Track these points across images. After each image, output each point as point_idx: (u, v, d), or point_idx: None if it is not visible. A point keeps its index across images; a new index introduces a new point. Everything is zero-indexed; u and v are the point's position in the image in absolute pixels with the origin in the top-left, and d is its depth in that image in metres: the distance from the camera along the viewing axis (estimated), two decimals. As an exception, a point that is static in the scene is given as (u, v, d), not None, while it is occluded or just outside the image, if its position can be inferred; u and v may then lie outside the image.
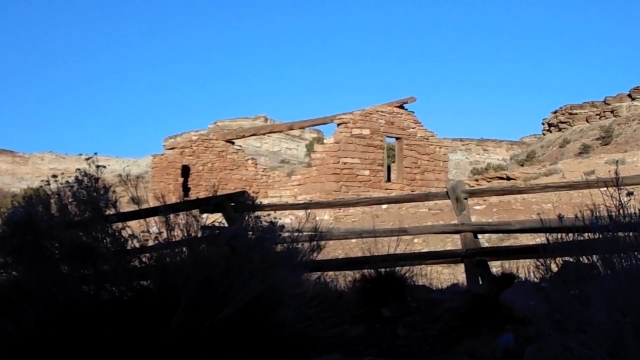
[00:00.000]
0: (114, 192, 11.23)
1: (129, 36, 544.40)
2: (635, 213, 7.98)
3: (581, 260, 8.34)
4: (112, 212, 10.83)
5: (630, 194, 8.04)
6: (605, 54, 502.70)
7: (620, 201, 7.98)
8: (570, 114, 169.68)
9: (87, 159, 10.82)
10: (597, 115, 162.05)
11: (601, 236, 7.91)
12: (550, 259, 9.45)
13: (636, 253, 7.13)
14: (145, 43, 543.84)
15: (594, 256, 8.05)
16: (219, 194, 16.71)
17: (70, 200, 10.53)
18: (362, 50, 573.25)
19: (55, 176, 10.68)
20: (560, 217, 9.24)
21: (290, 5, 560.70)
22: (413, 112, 52.18)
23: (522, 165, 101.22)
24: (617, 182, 7.99)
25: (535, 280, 10.60)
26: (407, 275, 16.92)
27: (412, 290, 16.08)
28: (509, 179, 61.62)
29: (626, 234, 7.60)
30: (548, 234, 10.25)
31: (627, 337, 5.38)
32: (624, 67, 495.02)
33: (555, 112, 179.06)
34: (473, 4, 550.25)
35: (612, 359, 5.38)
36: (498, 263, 17.56)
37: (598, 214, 8.35)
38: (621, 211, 7.86)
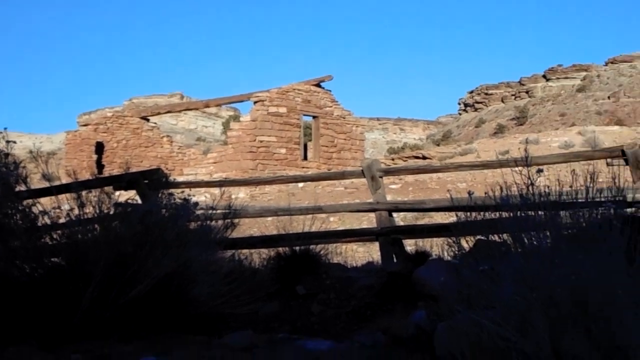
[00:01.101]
0: (25, 168, 11.11)
1: (45, 7, 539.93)
2: (544, 191, 8.08)
3: (492, 238, 8.42)
4: (22, 188, 10.87)
5: (540, 171, 8.13)
6: (521, 36, 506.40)
7: (529, 180, 8.08)
8: (486, 94, 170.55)
9: None
10: (512, 95, 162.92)
11: (511, 214, 8.01)
12: (462, 236, 9.50)
13: (545, 231, 7.22)
14: (58, 15, 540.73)
15: (505, 234, 8.12)
16: (132, 170, 16.87)
17: None
18: (281, 28, 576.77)
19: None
20: (470, 194, 9.31)
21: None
22: (330, 91, 52.31)
23: (438, 145, 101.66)
24: (526, 161, 8.06)
25: (448, 257, 10.70)
26: (322, 252, 16.95)
27: (327, 268, 16.10)
28: (424, 157, 61.78)
29: (535, 212, 7.70)
30: (460, 212, 10.38)
31: (535, 313, 5.44)
32: (539, 48, 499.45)
33: (471, 92, 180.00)
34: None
35: (520, 334, 5.44)
36: (412, 241, 17.64)
37: (509, 193, 8.44)
38: (530, 189, 7.96)
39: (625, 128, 67.46)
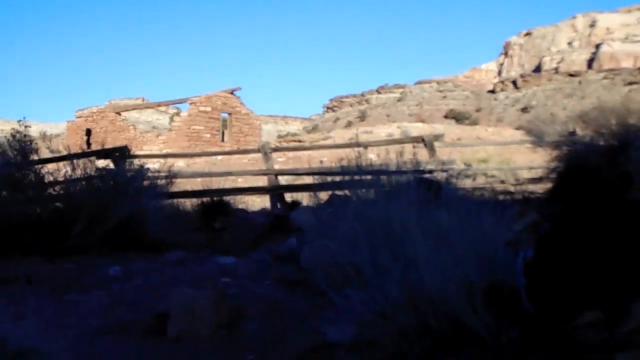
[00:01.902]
0: (37, 144, 11.82)
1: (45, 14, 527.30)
2: (371, 163, 8.43)
3: (339, 193, 8.64)
4: (35, 157, 11.82)
5: (365, 147, 8.44)
6: (364, 61, 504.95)
7: (359, 155, 8.36)
8: (341, 101, 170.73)
9: (19, 122, 11.72)
10: (357, 102, 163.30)
11: (350, 177, 8.28)
12: (320, 192, 9.76)
13: (370, 188, 7.43)
14: (55, 27, 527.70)
15: (346, 190, 8.29)
16: (107, 147, 17.40)
17: (6, 148, 11.24)
18: (210, 45, 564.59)
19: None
20: (321, 162, 9.54)
21: None
22: (239, 97, 52.69)
23: (309, 133, 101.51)
24: (359, 144, 8.28)
25: (312, 205, 10.84)
26: (232, 202, 17.29)
27: (235, 211, 16.57)
28: (300, 142, 62.05)
29: (364, 175, 7.95)
30: (320, 176, 10.77)
31: (361, 238, 5.55)
32: (375, 71, 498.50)
33: (331, 100, 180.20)
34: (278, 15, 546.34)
35: (351, 252, 5.53)
36: (290, 194, 17.86)
37: (349, 164, 8.74)
38: (361, 161, 8.26)
39: (426, 125, 67.59)
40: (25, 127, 11.66)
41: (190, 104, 52.73)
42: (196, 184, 19.65)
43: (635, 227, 5.29)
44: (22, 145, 11.28)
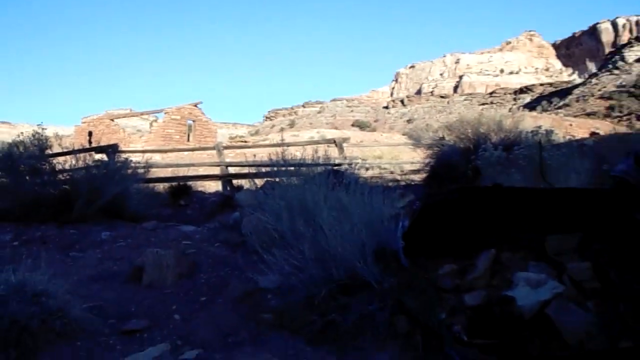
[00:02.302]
0: (51, 142, 12.32)
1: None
2: (294, 157, 8.45)
3: (271, 180, 8.61)
4: (49, 151, 12.09)
5: (287, 146, 8.43)
6: (293, 81, 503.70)
7: (283, 152, 8.38)
8: (276, 112, 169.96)
9: (38, 125, 12.16)
10: (288, 113, 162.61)
11: (278, 168, 8.29)
12: (257, 179, 9.74)
13: (293, 176, 7.40)
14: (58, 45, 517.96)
15: (277, 178, 8.26)
16: (102, 144, 17.65)
17: (29, 144, 11.58)
18: (180, 69, 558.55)
19: (21, 133, 12.12)
20: (254, 157, 9.53)
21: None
22: (200, 109, 52.66)
23: (252, 136, 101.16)
24: (286, 144, 8.23)
25: (251, 188, 10.80)
26: (193, 186, 17.32)
27: (195, 193, 16.55)
28: (245, 142, 62.03)
29: (288, 167, 7.94)
30: (257, 167, 10.80)
31: (283, 211, 5.55)
32: (301, 89, 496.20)
33: (269, 111, 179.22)
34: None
35: (276, 221, 5.56)
36: (236, 181, 17.82)
37: (278, 158, 8.72)
38: (285, 156, 8.24)
39: (338, 130, 67.51)
40: (43, 129, 12.04)
41: (165, 113, 52.61)
42: (167, 172, 19.56)
43: (478, 204, 5.39)
44: (40, 143, 11.69)
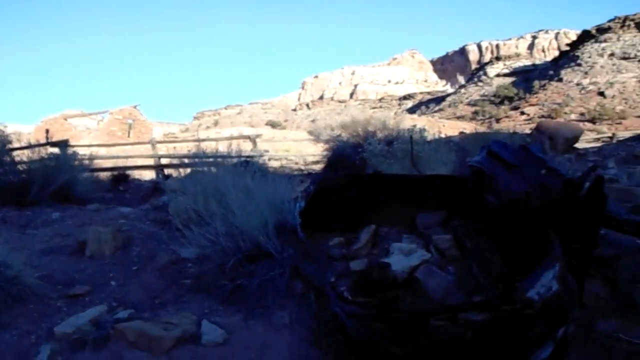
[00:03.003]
0: (11, 138, 12.18)
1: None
2: (218, 150, 8.31)
3: (197, 169, 8.49)
4: (10, 146, 11.71)
5: (202, 140, 8.34)
6: (219, 85, 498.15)
7: (198, 146, 8.23)
8: (203, 113, 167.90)
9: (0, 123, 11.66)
10: (213, 114, 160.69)
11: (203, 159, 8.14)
12: (184, 168, 9.63)
13: (213, 166, 7.28)
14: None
15: (201, 167, 8.15)
16: (55, 140, 17.11)
17: None
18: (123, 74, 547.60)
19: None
20: (188, 151, 9.42)
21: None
22: (139, 110, 52.01)
23: (183, 133, 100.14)
24: (206, 140, 8.13)
25: (178, 176, 10.68)
26: (131, 174, 17.01)
27: (133, 180, 16.28)
28: (175, 138, 61.40)
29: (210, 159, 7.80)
30: (184, 159, 10.67)
31: (199, 195, 5.52)
32: (224, 92, 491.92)
33: (197, 112, 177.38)
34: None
35: (194, 202, 5.52)
36: (167, 170, 17.60)
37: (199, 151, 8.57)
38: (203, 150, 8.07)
39: (254, 128, 67.02)
40: (4, 127, 12.29)
41: (110, 114, 51.64)
42: (110, 163, 19.13)
43: (362, 187, 5.45)
44: (2, 139, 11.46)
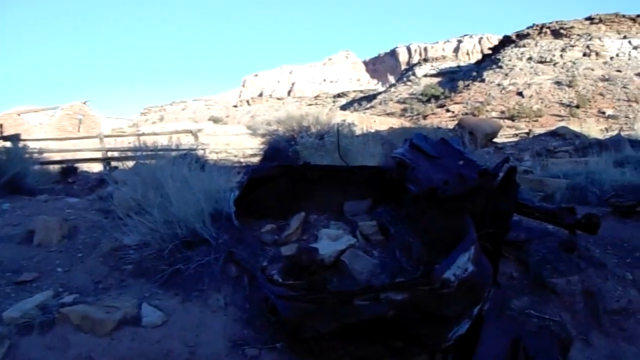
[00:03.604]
0: None
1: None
2: (160, 145, 8.10)
3: (142, 161, 8.33)
4: None
5: (154, 135, 8.20)
6: (165, 83, 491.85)
7: (138, 139, 8.07)
8: (149, 109, 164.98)
9: None
10: (159, 110, 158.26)
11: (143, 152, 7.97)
12: (129, 160, 9.45)
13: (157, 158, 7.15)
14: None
15: (144, 160, 8.02)
16: (6, 134, 16.78)
17: None
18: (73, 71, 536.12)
19: None
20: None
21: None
22: (89, 106, 51.03)
23: (130, 127, 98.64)
24: (151, 134, 7.94)
25: (124, 168, 10.50)
26: (80, 167, 16.64)
27: (82, 173, 15.90)
28: (123, 132, 60.49)
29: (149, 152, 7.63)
30: (130, 152, 10.46)
31: (138, 185, 5.46)
32: (169, 90, 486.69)
33: (144, 108, 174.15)
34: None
35: (135, 192, 5.42)
36: (114, 163, 17.33)
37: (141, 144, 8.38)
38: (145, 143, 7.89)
39: (197, 123, 66.36)
40: None
41: (61, 109, 50.46)
42: (60, 156, 18.70)
43: (293, 177, 5.47)
44: None
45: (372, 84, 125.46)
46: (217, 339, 3.81)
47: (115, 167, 15.94)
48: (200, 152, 10.91)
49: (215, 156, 17.78)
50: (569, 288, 4.98)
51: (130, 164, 9.43)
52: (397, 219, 5.18)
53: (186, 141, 13.22)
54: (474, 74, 65.99)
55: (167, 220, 4.63)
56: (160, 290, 4.25)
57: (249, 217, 5.16)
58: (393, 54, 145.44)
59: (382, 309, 3.48)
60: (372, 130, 23.34)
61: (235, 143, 26.08)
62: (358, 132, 13.46)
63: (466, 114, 46.00)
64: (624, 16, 63.30)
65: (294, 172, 5.42)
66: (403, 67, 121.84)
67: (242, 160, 17.59)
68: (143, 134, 14.91)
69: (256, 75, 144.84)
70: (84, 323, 3.80)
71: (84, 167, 17.69)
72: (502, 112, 46.22)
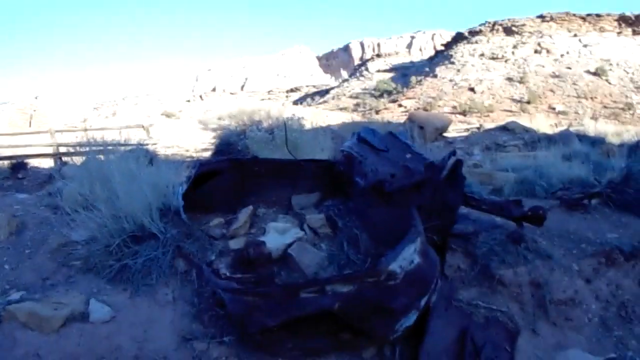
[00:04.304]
0: None
1: None
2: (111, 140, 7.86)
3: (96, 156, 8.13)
4: None
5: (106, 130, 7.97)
6: (115, 79, 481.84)
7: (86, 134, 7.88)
8: (102, 104, 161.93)
9: None
10: (111, 105, 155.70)
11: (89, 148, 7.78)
12: (79, 156, 9.28)
13: (102, 155, 6.99)
14: None
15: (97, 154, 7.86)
16: None
17: None
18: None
19: None
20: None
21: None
22: (40, 101, 50.31)
23: (82, 122, 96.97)
24: (103, 128, 7.82)
25: (75, 164, 10.32)
26: (31, 162, 16.32)
27: (32, 168, 15.62)
28: (74, 127, 59.57)
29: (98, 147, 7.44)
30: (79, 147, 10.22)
31: (84, 180, 5.38)
32: (123, 83, 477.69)
33: (97, 103, 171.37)
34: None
35: (82, 188, 5.34)
36: (65, 158, 17.07)
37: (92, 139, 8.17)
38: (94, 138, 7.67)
39: (150, 118, 65.46)
40: None
41: (12, 104, 49.62)
42: (10, 152, 18.28)
43: (241, 171, 5.46)
44: None
45: (325, 79, 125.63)
46: (166, 334, 3.80)
47: (66, 163, 15.68)
48: (151, 147, 10.78)
49: (167, 151, 17.63)
50: (516, 279, 5.08)
51: (81, 159, 9.28)
52: (345, 212, 5.21)
53: (138, 136, 13.04)
54: (427, 69, 66.44)
55: (115, 215, 4.57)
56: (108, 286, 4.21)
57: (198, 212, 5.13)
58: (346, 49, 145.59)
59: (329, 302, 3.51)
60: (324, 125, 23.47)
61: (188, 138, 25.90)
62: (310, 126, 13.49)
63: (418, 109, 46.39)
64: (574, 15, 64.49)
65: (242, 166, 5.40)
66: (356, 62, 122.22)
67: (194, 154, 17.46)
68: (96, 129, 14.70)
69: (209, 70, 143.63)
70: (31, 320, 3.76)
71: (35, 162, 17.33)
72: (454, 107, 46.66)
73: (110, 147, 7.43)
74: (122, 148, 8.06)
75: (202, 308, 4.02)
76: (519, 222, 5.84)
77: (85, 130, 20.92)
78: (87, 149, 7.49)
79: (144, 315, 3.93)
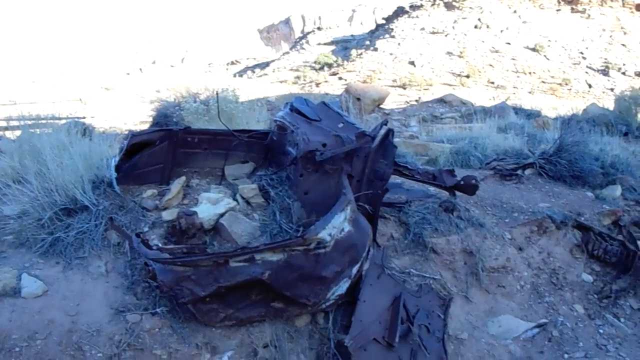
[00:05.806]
0: None
1: None
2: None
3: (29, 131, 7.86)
4: None
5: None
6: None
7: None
8: (41, 76, 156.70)
9: None
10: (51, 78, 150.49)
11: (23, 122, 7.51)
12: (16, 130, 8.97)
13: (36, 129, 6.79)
14: None
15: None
16: None
17: None
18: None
19: None
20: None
21: None
22: None
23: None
24: (28, 102, 7.54)
25: (11, 138, 9.95)
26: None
27: None
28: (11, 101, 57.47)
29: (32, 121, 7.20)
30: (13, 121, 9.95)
31: (14, 153, 5.24)
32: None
33: (36, 77, 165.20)
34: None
35: (12, 162, 5.20)
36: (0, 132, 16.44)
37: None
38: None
39: (90, 91, 63.67)
40: None
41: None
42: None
43: (174, 142, 5.40)
44: None
45: (266, 52, 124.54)
46: (99, 307, 3.75)
47: (1, 137, 15.08)
48: (88, 120, 10.50)
49: (104, 124, 17.18)
50: (449, 247, 5.22)
51: (17, 133, 8.96)
52: (278, 182, 5.21)
53: (75, 110, 12.66)
54: (367, 43, 66.42)
55: (47, 188, 4.42)
56: (40, 260, 4.10)
57: (131, 183, 5.04)
58: (287, 22, 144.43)
59: (259, 270, 3.54)
60: (262, 97, 23.30)
61: (126, 111, 25.35)
62: (248, 98, 13.36)
63: (359, 82, 46.52)
64: (514, -9, 65.50)
65: (175, 136, 5.32)
66: (297, 35, 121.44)
67: (131, 127, 17.12)
68: (28, 103, 14.17)
69: (149, 42, 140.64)
70: (-40, 297, 3.64)
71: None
72: (394, 80, 46.79)
73: (44, 121, 7.23)
74: (58, 122, 7.83)
75: (135, 280, 3.98)
76: (452, 192, 6.00)
77: (22, 104, 20.26)
78: (22, 123, 7.22)
79: (76, 289, 3.86)
